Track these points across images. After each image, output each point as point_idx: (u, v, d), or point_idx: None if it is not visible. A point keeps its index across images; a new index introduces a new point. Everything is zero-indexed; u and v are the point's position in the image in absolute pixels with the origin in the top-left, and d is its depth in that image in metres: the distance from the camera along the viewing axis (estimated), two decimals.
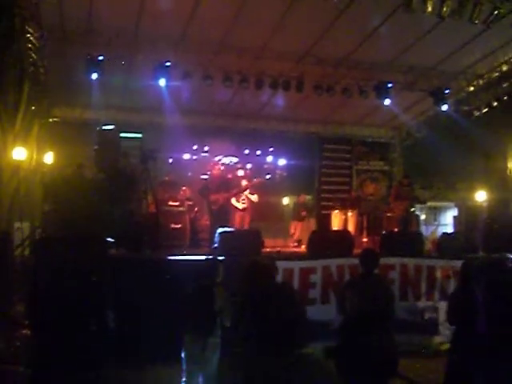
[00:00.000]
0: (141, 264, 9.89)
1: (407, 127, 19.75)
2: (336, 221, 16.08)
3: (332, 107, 17.12)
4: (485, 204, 15.34)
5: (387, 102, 15.12)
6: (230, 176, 15.87)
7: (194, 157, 17.38)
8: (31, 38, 10.99)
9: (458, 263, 7.84)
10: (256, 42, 13.11)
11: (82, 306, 8.20)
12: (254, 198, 14.87)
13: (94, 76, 12.70)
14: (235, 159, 17.62)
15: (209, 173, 15.35)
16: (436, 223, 19.42)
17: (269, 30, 12.53)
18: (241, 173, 16.63)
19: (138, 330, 8.86)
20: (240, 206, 14.33)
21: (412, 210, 15.22)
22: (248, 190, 14.70)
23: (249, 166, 17.71)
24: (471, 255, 10.79)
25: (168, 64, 13.00)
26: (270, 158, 18.64)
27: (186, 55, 13.25)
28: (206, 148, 17.32)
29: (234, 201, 14.48)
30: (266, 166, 18.14)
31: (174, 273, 9.35)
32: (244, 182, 15.12)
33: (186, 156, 17.34)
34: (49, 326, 7.83)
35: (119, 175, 12.76)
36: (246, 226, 14.31)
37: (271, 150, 18.55)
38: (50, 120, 15.94)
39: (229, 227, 13.27)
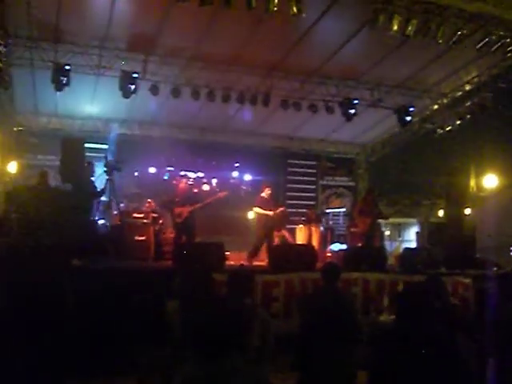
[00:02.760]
0: (104, 274, 9.78)
1: (372, 144, 19.96)
2: (301, 235, 16.09)
3: (298, 122, 17.24)
4: (446, 220, 15.54)
5: (353, 118, 15.23)
6: (195, 190, 15.78)
7: (160, 170, 17.35)
8: None
9: (420, 278, 7.93)
10: (224, 55, 13.18)
11: (42, 316, 8.06)
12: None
13: (61, 85, 12.55)
14: (201, 174, 17.62)
15: (174, 186, 15.24)
16: (400, 239, 19.68)
17: (237, 44, 12.62)
18: (206, 187, 16.60)
19: (98, 342, 8.74)
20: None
21: (377, 225, 15.31)
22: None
23: (214, 180, 17.73)
24: (433, 270, 10.93)
25: (135, 75, 12.95)
26: (235, 174, 18.67)
27: (154, 67, 13.27)
28: (171, 162, 17.30)
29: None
30: (231, 181, 18.18)
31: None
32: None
33: (152, 170, 17.30)
34: (5, 339, 7.68)
35: (83, 185, 12.65)
36: None
37: (237, 165, 18.58)
38: (15, 129, 15.78)
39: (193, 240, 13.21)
